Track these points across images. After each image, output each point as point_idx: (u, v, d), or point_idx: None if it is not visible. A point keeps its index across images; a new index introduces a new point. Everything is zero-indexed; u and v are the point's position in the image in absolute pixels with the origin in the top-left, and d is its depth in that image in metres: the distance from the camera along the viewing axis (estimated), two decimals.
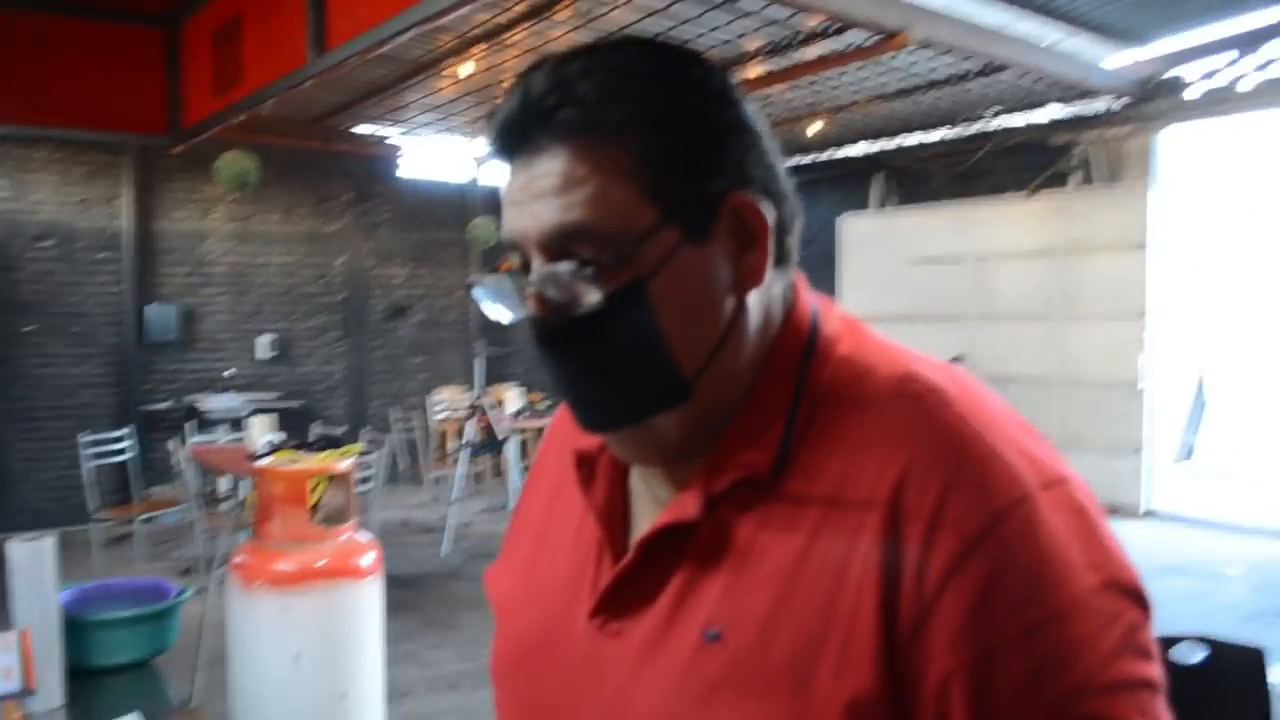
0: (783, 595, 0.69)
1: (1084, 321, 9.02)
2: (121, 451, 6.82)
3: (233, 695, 2.93)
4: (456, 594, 6.35)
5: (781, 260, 0.78)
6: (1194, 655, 2.50)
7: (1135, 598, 0.68)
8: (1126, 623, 0.67)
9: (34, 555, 1.76)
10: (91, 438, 6.61)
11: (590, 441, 0.84)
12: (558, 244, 0.72)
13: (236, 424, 8.34)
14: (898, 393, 0.72)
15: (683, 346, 0.73)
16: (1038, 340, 9.31)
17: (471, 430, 7.99)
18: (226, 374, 9.38)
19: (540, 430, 9.72)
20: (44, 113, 7.67)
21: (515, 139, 0.74)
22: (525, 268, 0.75)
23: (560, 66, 0.73)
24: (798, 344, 0.78)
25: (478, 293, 0.80)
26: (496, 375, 10.07)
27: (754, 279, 0.75)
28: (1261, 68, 7.92)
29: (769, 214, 0.75)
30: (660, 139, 0.72)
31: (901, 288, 10.05)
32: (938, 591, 0.64)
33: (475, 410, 8.02)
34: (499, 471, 9.90)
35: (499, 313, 0.79)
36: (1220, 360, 11.59)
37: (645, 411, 0.75)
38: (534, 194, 0.72)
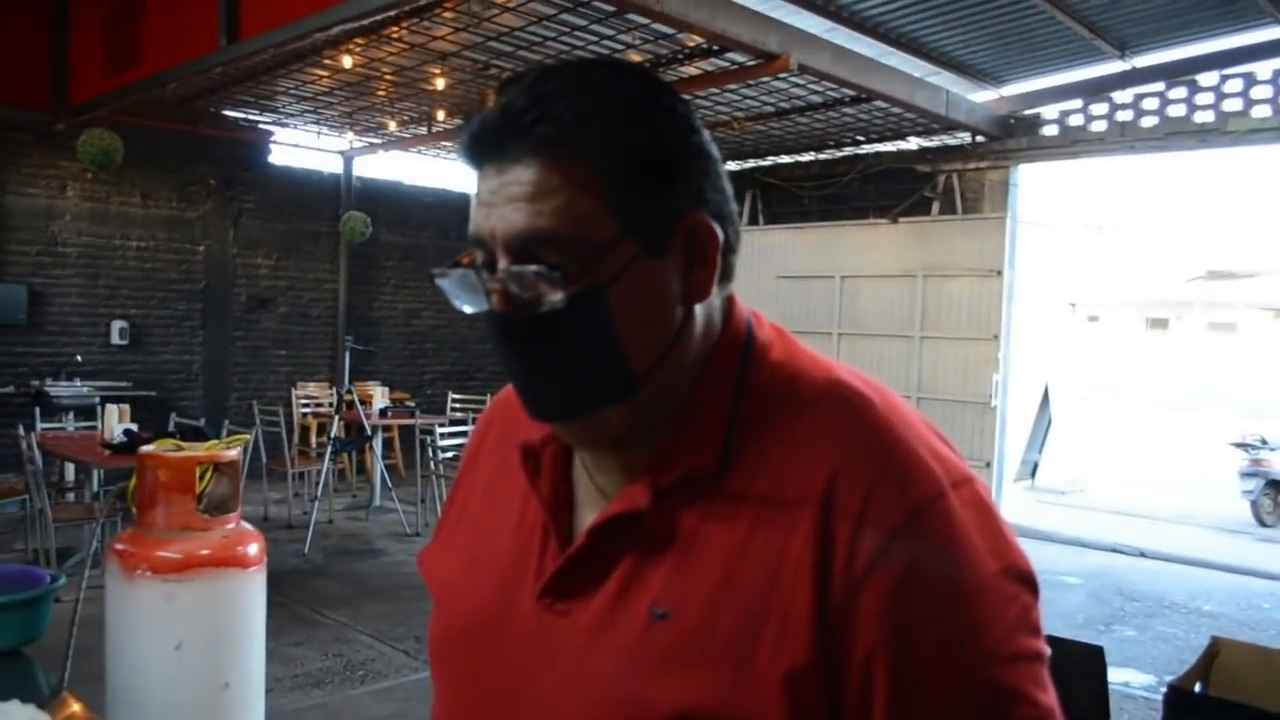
0: (726, 579, 0.77)
1: (942, 341, 9.54)
2: None
3: (110, 685, 2.90)
4: (319, 591, 6.30)
5: (725, 276, 0.85)
6: None
7: (1028, 583, 0.79)
8: (1022, 604, 0.77)
9: None
10: None
11: (534, 435, 0.90)
12: (524, 246, 0.77)
13: (85, 412, 8.05)
14: (827, 396, 0.81)
15: (635, 348, 0.79)
16: (898, 357, 9.79)
17: (336, 426, 7.93)
18: (76, 360, 9.02)
19: (404, 428, 9.69)
20: None
21: (490, 146, 0.79)
22: (489, 265, 0.80)
23: (540, 82, 0.79)
24: (736, 349, 0.85)
25: (443, 284, 0.84)
26: (361, 372, 9.99)
27: (702, 292, 0.82)
28: (1105, 116, 8.56)
29: (719, 234, 0.82)
30: (627, 159, 0.78)
31: (770, 302, 10.40)
32: (864, 577, 0.73)
33: (342, 405, 7.96)
34: (362, 469, 9.83)
35: (463, 304, 0.84)
36: (1064, 383, 12.32)
37: (596, 404, 0.81)
38: (505, 198, 0.78)
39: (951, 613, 0.74)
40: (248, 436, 3.55)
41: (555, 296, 0.77)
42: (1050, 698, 0.77)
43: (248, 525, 3.15)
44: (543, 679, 0.83)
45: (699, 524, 0.80)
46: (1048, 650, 0.79)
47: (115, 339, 9.40)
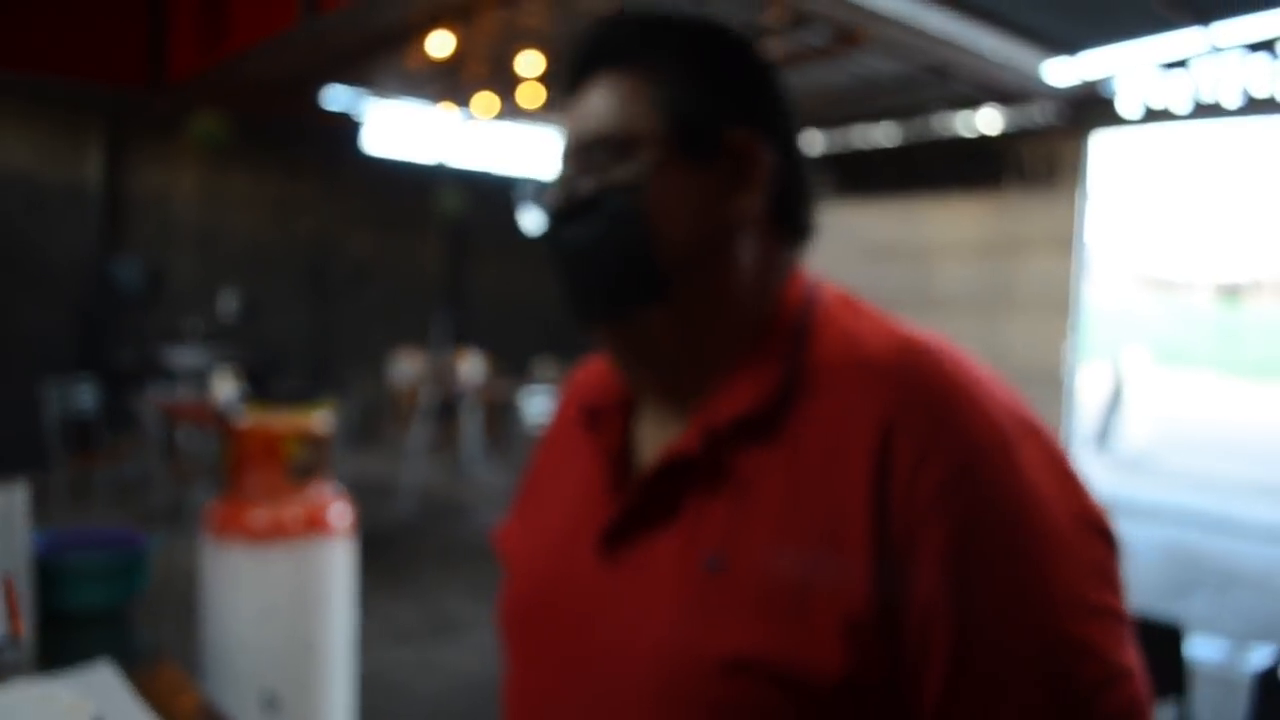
0: (781, 526, 0.71)
1: (1015, 314, 9.18)
2: (84, 401, 6.66)
3: (204, 645, 2.88)
4: (413, 550, 6.31)
5: (788, 226, 0.83)
6: None
7: (1104, 535, 0.72)
8: (1097, 555, 0.71)
9: (5, 500, 1.70)
10: (55, 388, 6.45)
11: (599, 397, 0.89)
12: (583, 151, 0.80)
13: (199, 378, 8.18)
14: (889, 349, 0.75)
15: (661, 246, 0.77)
16: (971, 330, 9.46)
17: (431, 393, 7.93)
18: (191, 330, 9.18)
19: (498, 395, 9.70)
20: (16, 59, 7.39)
21: (577, 71, 0.83)
22: (561, 175, 0.83)
23: (622, 15, 0.83)
24: (796, 306, 0.81)
25: (523, 201, 0.85)
26: (456, 341, 10.00)
27: (742, 214, 0.79)
28: (1186, 85, 8.10)
29: (769, 160, 0.80)
30: (683, 70, 0.79)
31: (844, 278, 10.11)
32: (921, 522, 0.67)
33: (436, 373, 7.96)
34: (455, 434, 9.87)
35: (533, 217, 0.86)
36: (1137, 351, 11.85)
37: (625, 299, 0.79)
38: (579, 115, 0.81)
39: (1018, 558, 0.67)
40: (333, 404, 3.50)
41: (590, 184, 0.79)
42: (1130, 659, 0.69)
43: (337, 491, 3.10)
44: (605, 636, 0.78)
45: (754, 471, 0.74)
46: (1129, 612, 0.71)
47: (227, 310, 9.54)
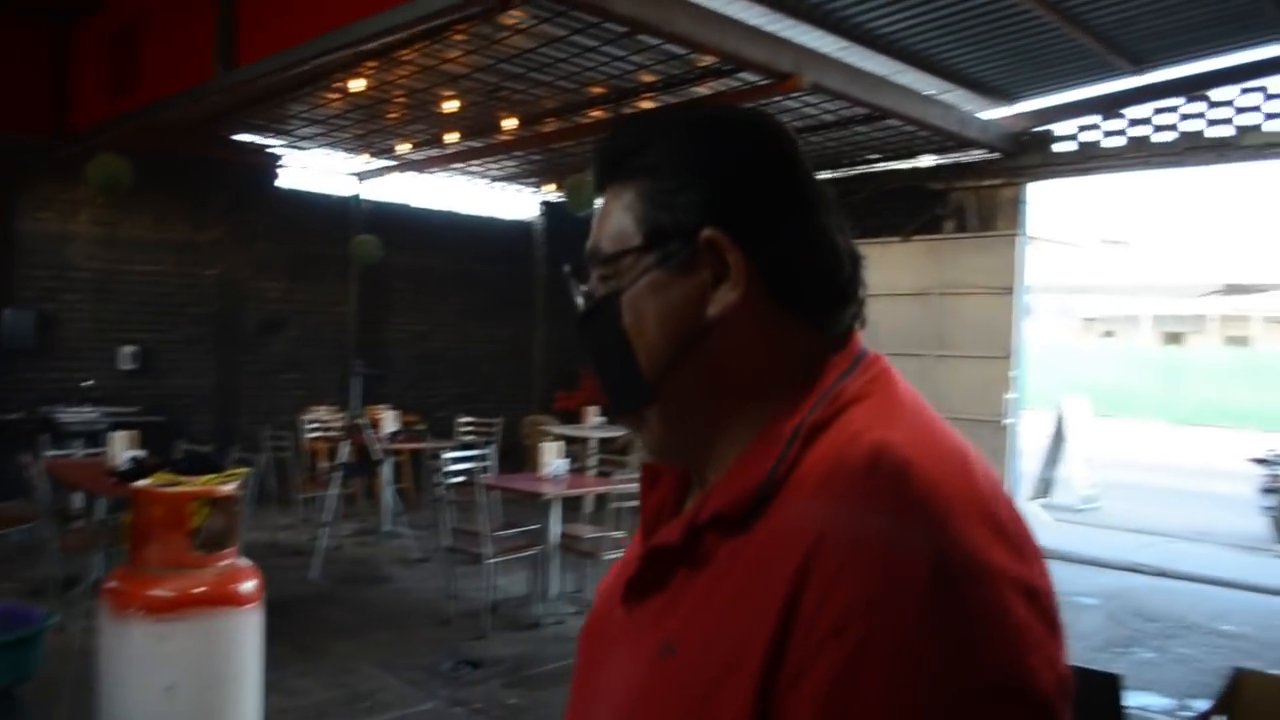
0: (722, 622, 0.75)
1: (955, 360, 9.43)
2: None
3: None
4: (326, 619, 6.21)
5: (804, 309, 0.87)
6: None
7: (1030, 706, 0.67)
8: None
9: None
10: None
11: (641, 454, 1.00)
12: (591, 262, 0.90)
13: (94, 438, 7.99)
14: (862, 453, 0.75)
15: (644, 351, 0.86)
16: (912, 376, 9.42)
17: (345, 451, 7.84)
18: (85, 385, 8.96)
19: (414, 452, 9.63)
20: None
21: (596, 178, 0.93)
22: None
23: (625, 125, 0.92)
24: (807, 397, 0.83)
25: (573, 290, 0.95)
26: (372, 396, 9.91)
27: (721, 307, 0.84)
28: (1120, 132, 8.49)
29: (741, 255, 0.83)
30: (657, 180, 0.86)
31: None
32: (812, 656, 0.68)
33: (350, 430, 7.88)
34: (371, 493, 9.75)
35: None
36: (1080, 399, 12.19)
37: (625, 403, 0.90)
38: (595, 223, 0.91)
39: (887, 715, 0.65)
40: (246, 471, 3.45)
41: (583, 298, 0.91)
42: None
43: (245, 561, 3.06)
44: (607, 681, 0.88)
45: (724, 564, 0.79)
46: None
47: (125, 364, 9.36)
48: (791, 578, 0.71)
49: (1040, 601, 0.71)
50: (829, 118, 8.38)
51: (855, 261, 0.92)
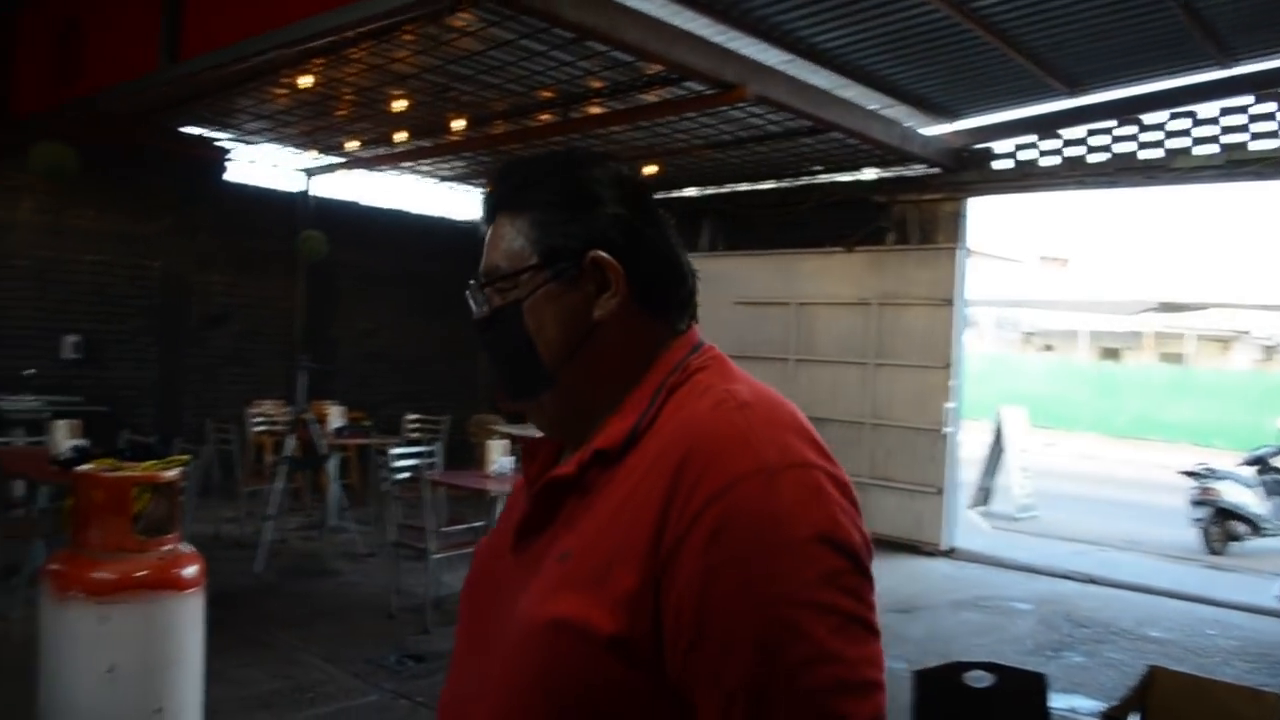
0: (605, 527, 0.99)
1: (895, 369, 9.62)
2: None
3: (42, 709, 2.85)
4: (269, 611, 6.22)
5: (659, 310, 1.13)
6: (983, 680, 2.79)
7: (846, 553, 0.94)
8: (829, 565, 0.92)
9: None
10: None
11: (535, 442, 1.21)
12: (488, 277, 1.13)
13: (35, 426, 7.91)
14: (707, 404, 1.03)
15: (545, 348, 1.10)
16: (852, 384, 9.86)
17: (291, 445, 7.84)
18: (27, 373, 8.86)
19: (361, 448, 9.63)
20: None
21: (485, 210, 1.17)
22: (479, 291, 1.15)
23: (515, 165, 1.16)
24: (668, 367, 1.10)
25: (470, 300, 1.16)
26: (317, 391, 9.88)
27: (604, 310, 1.09)
28: (1056, 151, 8.74)
29: (620, 271, 1.09)
30: (547, 212, 1.11)
31: (726, 327, 10.47)
32: (690, 524, 0.93)
33: (296, 425, 7.87)
34: (317, 488, 9.72)
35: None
36: (1017, 411, 12.45)
37: (528, 390, 1.14)
38: (488, 247, 1.14)
39: (751, 554, 0.90)
40: (186, 458, 3.50)
41: (487, 308, 1.13)
42: (854, 652, 0.91)
43: (186, 547, 3.11)
44: (501, 613, 1.07)
45: (604, 488, 1.03)
46: (870, 616, 0.94)
47: (68, 353, 9.26)
48: (667, 483, 0.96)
49: (843, 488, 0.98)
50: (774, 129, 8.53)
51: (693, 273, 1.17)
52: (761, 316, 10.58)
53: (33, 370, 8.94)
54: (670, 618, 0.93)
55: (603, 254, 1.08)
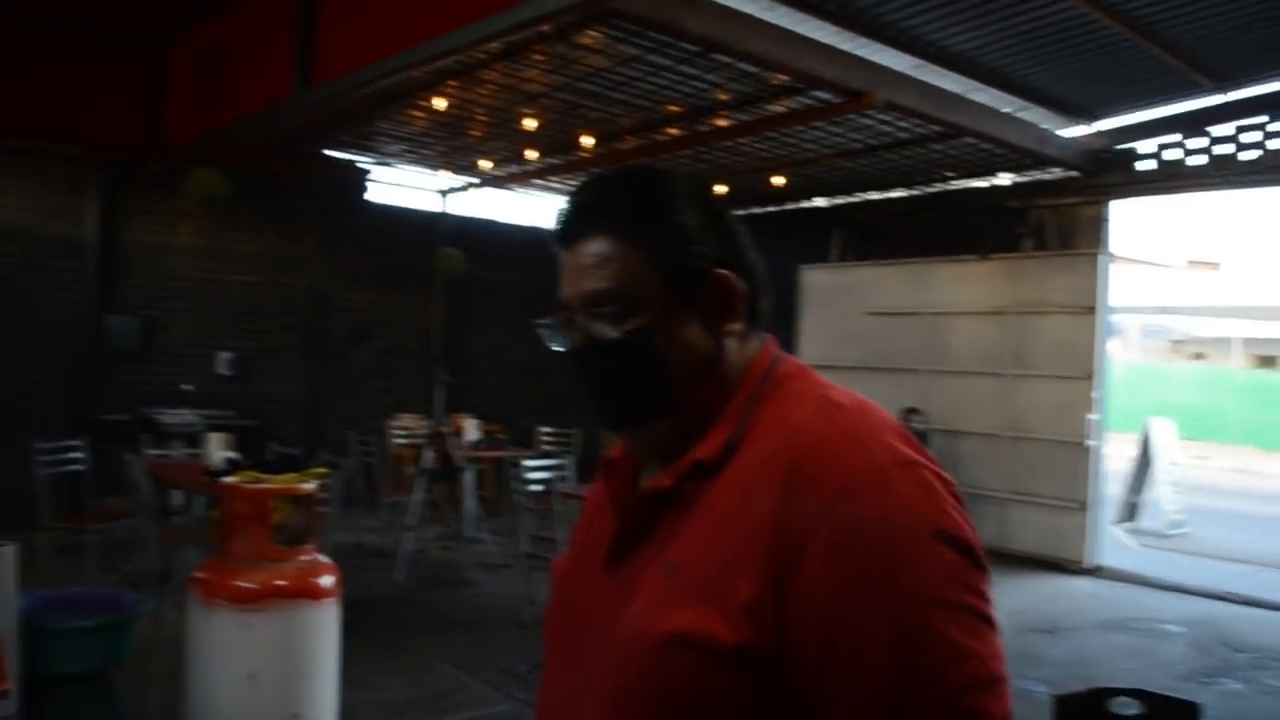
0: (715, 538, 0.98)
1: (1034, 380, 9.24)
2: (75, 461, 6.77)
3: (189, 711, 2.95)
4: (407, 619, 6.35)
5: (754, 321, 1.13)
6: (1130, 708, 2.63)
7: (964, 550, 0.93)
8: (949, 561, 0.92)
9: None
10: (46, 445, 6.57)
11: (615, 454, 1.19)
12: (595, 301, 1.07)
13: (192, 439, 8.28)
14: (809, 409, 1.03)
15: (677, 372, 1.07)
16: (989, 396, 9.52)
17: (429, 457, 8.01)
18: (184, 389, 9.33)
19: (495, 460, 9.78)
20: (23, 127, 7.74)
21: (570, 231, 1.11)
22: (571, 317, 1.10)
23: (602, 182, 1.12)
24: (757, 378, 1.10)
25: (540, 330, 1.15)
26: (455, 405, 10.09)
27: (730, 331, 1.09)
28: (1203, 150, 8.29)
29: (742, 286, 1.09)
30: (665, 235, 1.07)
31: (858, 338, 10.26)
32: (810, 528, 0.92)
33: (434, 438, 8.04)
34: (454, 499, 9.91)
35: (556, 344, 1.14)
36: (1166, 422, 11.84)
37: (646, 417, 1.09)
38: (579, 269, 1.09)
39: (873, 560, 0.90)
40: (325, 471, 3.59)
41: (612, 334, 1.07)
42: (983, 647, 0.90)
43: (324, 557, 3.18)
44: (598, 632, 1.05)
45: (704, 500, 1.02)
46: (990, 611, 0.93)
47: (222, 369, 9.71)
48: (778, 489, 0.95)
49: (948, 484, 0.98)
50: (904, 135, 8.34)
51: (767, 284, 1.16)
52: (894, 327, 10.31)
53: (190, 386, 9.40)
54: (795, 623, 0.92)
55: (727, 273, 1.08)
